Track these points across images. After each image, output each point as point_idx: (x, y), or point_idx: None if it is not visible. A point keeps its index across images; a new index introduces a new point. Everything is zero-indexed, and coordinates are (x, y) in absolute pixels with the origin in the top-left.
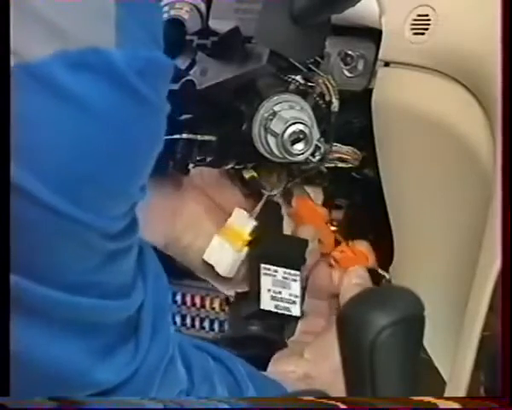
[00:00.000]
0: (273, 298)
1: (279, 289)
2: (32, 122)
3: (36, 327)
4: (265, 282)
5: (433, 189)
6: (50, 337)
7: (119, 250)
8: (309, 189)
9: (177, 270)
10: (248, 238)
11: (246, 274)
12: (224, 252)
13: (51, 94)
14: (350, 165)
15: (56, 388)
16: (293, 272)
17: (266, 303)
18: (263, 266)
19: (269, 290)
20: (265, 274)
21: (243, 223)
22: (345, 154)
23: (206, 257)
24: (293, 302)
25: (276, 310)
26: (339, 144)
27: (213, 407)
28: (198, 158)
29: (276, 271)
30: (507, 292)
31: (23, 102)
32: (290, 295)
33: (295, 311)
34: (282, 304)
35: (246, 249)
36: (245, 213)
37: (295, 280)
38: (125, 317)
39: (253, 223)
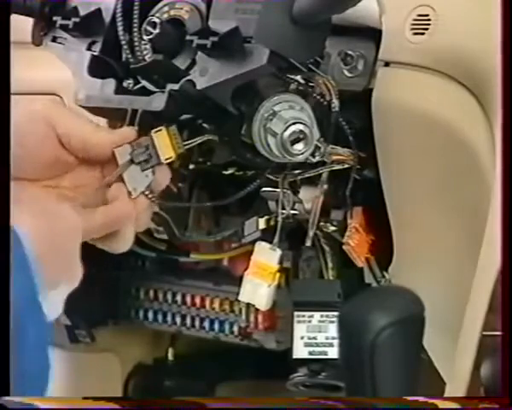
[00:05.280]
0: (307, 344)
1: (314, 335)
2: None
3: None
4: (299, 330)
5: (433, 189)
6: None
7: None
8: (309, 190)
9: (178, 270)
10: (277, 268)
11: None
12: (258, 289)
13: None
14: (347, 166)
15: None
16: (330, 313)
17: (299, 352)
18: (296, 313)
19: (302, 338)
20: (299, 322)
21: (268, 256)
22: (342, 155)
23: (242, 299)
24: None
25: (310, 356)
26: (337, 146)
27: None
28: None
29: (311, 316)
30: (507, 292)
31: None
32: (327, 338)
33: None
34: (317, 349)
35: (278, 277)
36: (267, 245)
37: (333, 322)
38: None
39: (278, 252)
